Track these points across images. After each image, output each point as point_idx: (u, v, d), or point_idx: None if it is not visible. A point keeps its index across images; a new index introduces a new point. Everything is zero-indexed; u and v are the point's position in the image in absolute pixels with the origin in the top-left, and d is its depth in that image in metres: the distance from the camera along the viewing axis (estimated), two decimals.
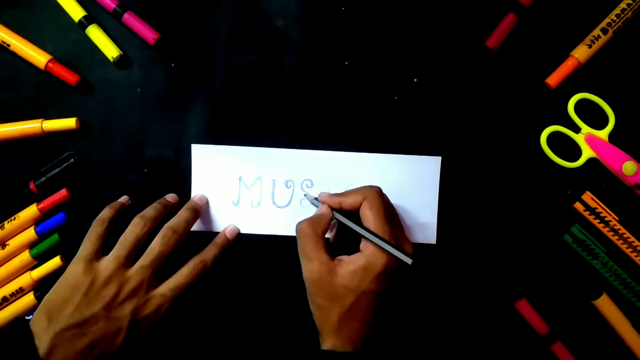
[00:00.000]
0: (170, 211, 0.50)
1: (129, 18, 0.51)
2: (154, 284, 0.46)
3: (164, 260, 0.47)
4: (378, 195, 0.46)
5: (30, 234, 0.51)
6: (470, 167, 0.52)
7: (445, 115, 0.52)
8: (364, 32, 0.52)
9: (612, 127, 0.50)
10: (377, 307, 0.45)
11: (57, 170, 0.51)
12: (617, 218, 0.50)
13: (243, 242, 0.53)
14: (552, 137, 0.51)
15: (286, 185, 0.52)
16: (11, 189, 0.52)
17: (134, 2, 0.52)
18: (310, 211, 0.51)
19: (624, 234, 0.50)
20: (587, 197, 0.51)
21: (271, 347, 0.52)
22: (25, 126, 0.51)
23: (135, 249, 0.46)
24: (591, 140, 0.50)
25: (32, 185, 0.51)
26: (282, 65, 0.53)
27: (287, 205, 0.52)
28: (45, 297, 0.45)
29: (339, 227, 0.49)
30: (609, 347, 0.51)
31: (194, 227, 0.50)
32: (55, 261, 0.51)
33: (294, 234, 0.47)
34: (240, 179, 0.52)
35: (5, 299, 0.51)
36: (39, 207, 0.51)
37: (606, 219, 0.50)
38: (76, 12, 0.52)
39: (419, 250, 0.51)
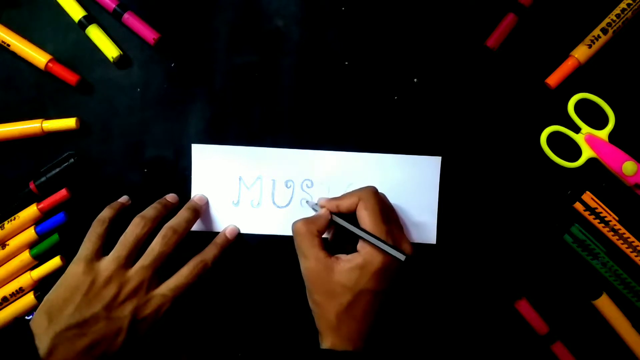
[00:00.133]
0: (170, 211, 0.50)
1: (129, 18, 0.51)
2: (154, 284, 0.46)
3: (164, 260, 0.47)
4: (373, 195, 0.46)
5: (30, 234, 0.51)
6: (470, 167, 0.52)
7: (445, 115, 0.52)
8: (364, 32, 0.52)
9: (612, 127, 0.50)
10: (376, 306, 0.45)
11: (57, 170, 0.51)
12: (617, 218, 0.50)
13: (243, 242, 0.53)
14: (552, 137, 0.51)
15: (286, 185, 0.52)
16: (11, 189, 0.52)
17: (134, 2, 0.52)
18: (310, 211, 0.51)
19: (624, 234, 0.50)
20: (587, 197, 0.51)
21: (271, 347, 0.52)
22: (25, 126, 0.51)
23: (136, 249, 0.46)
24: (591, 140, 0.50)
25: (32, 185, 0.51)
26: (282, 65, 0.53)
27: (287, 205, 0.52)
28: (46, 297, 0.45)
29: (339, 230, 0.49)
30: (609, 347, 0.51)
31: (194, 227, 0.50)
32: (55, 261, 0.51)
33: None
34: (240, 179, 0.52)
35: (5, 299, 0.51)
36: (39, 207, 0.51)
37: (606, 219, 0.50)
38: (76, 12, 0.52)
39: (419, 250, 0.51)
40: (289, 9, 0.53)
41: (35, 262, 0.52)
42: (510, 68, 0.52)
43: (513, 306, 0.52)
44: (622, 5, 0.50)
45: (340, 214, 0.48)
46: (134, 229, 0.47)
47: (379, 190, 0.48)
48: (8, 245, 0.51)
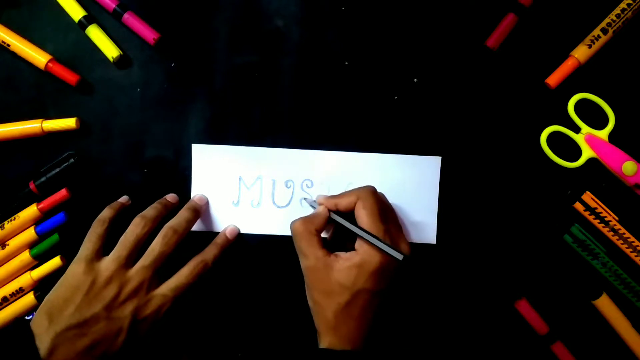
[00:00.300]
0: (170, 211, 0.50)
1: (129, 18, 0.51)
2: (154, 284, 0.46)
3: (164, 260, 0.47)
4: (371, 194, 0.46)
5: (30, 234, 0.51)
6: (470, 167, 0.52)
7: (445, 115, 0.52)
8: (364, 32, 0.52)
9: (612, 127, 0.50)
10: (375, 306, 0.45)
11: (57, 170, 0.51)
12: (617, 218, 0.50)
13: (243, 242, 0.53)
14: (552, 137, 0.51)
15: (286, 185, 0.52)
16: (11, 189, 0.52)
17: (134, 2, 0.52)
18: (310, 212, 0.51)
19: (624, 234, 0.50)
20: (587, 197, 0.51)
21: (271, 347, 0.52)
22: (25, 126, 0.51)
23: (136, 249, 0.46)
24: (591, 140, 0.50)
25: (32, 185, 0.51)
26: (282, 65, 0.53)
27: (287, 205, 0.52)
28: (46, 298, 0.45)
29: (338, 229, 0.49)
30: (609, 347, 0.51)
31: (194, 227, 0.50)
32: (55, 261, 0.51)
33: None
34: (240, 179, 0.52)
35: (5, 299, 0.51)
36: (39, 207, 0.51)
37: (606, 219, 0.50)
38: (76, 12, 0.51)
39: (419, 250, 0.51)
40: (289, 9, 0.53)
41: (35, 262, 0.52)
42: (510, 68, 0.52)
43: (513, 306, 0.52)
44: (622, 5, 0.50)
45: (338, 213, 0.48)
46: (134, 229, 0.47)
47: (379, 190, 0.48)
48: (8, 245, 0.51)
